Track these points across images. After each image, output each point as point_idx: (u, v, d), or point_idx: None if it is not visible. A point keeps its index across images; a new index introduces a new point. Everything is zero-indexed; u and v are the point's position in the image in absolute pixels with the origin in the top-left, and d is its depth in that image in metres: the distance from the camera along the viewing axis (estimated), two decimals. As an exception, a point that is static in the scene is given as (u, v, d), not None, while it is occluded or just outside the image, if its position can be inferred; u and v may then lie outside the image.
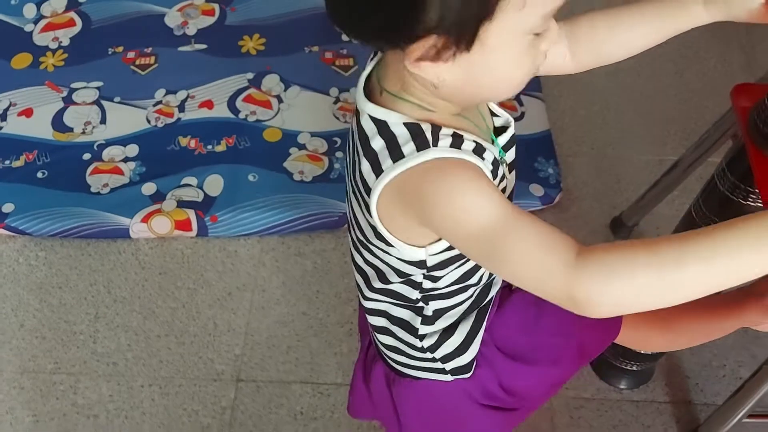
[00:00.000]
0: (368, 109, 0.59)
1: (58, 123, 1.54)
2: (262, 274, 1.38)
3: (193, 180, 1.46)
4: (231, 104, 1.58)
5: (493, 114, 0.67)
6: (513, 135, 0.67)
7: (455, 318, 0.72)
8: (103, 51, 1.67)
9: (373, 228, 0.62)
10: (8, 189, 1.43)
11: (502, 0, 0.49)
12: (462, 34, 0.51)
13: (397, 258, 0.64)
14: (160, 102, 1.58)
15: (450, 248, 0.62)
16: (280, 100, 1.60)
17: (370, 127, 0.59)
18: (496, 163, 0.61)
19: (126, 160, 1.49)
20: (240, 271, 1.38)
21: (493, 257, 0.54)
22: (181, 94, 1.60)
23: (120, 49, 1.67)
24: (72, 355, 1.28)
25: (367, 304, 0.73)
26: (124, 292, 1.35)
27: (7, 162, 1.48)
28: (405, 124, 0.57)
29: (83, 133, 1.53)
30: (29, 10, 1.74)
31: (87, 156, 1.49)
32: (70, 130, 1.54)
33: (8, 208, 1.40)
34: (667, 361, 1.29)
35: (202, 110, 1.57)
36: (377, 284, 0.69)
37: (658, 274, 0.49)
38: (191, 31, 1.71)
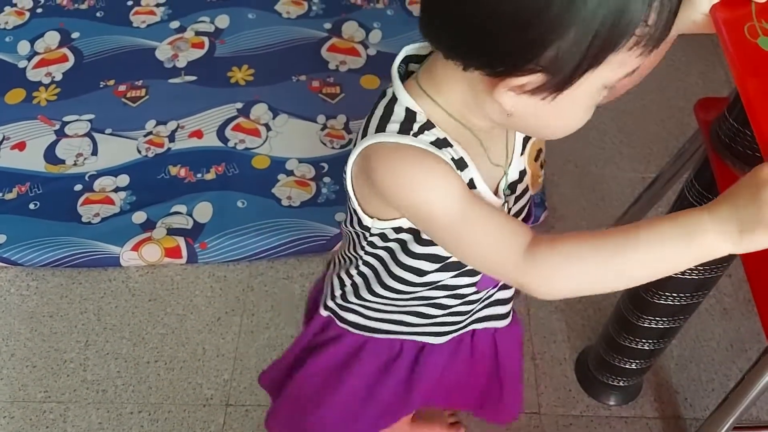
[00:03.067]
0: (398, 89, 0.61)
1: (50, 155, 1.57)
2: (251, 299, 1.39)
3: (182, 208, 1.48)
4: (220, 133, 1.61)
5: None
6: (527, 187, 0.70)
7: None
8: (95, 85, 1.71)
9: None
10: (1, 220, 1.46)
11: (611, 54, 0.50)
12: (567, 79, 0.51)
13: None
14: (150, 132, 1.61)
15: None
16: (268, 128, 1.63)
17: (383, 102, 0.62)
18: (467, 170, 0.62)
19: (117, 189, 1.51)
20: (229, 296, 1.39)
21: (453, 244, 0.60)
22: (171, 125, 1.63)
23: (111, 82, 1.71)
24: (62, 383, 1.28)
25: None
26: (114, 320, 1.36)
27: (0, 194, 1.51)
28: (407, 108, 0.59)
29: (75, 164, 1.56)
30: (23, 47, 1.79)
31: (78, 187, 1.52)
32: (62, 162, 1.56)
33: (0, 239, 1.42)
34: (655, 377, 1.29)
35: (192, 140, 1.60)
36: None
37: (602, 261, 0.54)
38: (181, 63, 1.75)
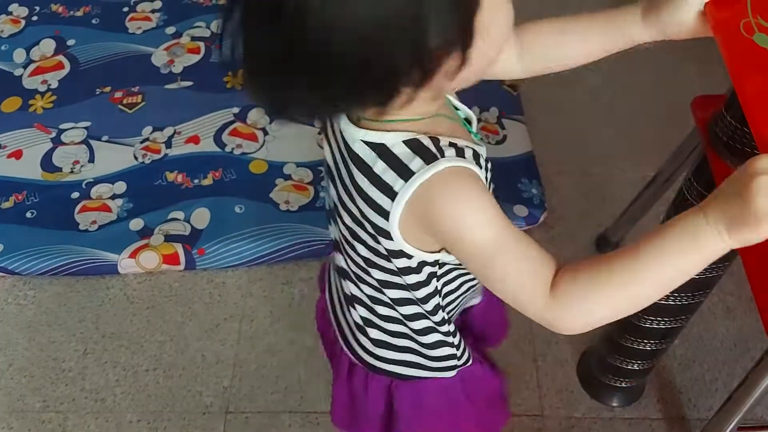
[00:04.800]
0: (360, 135, 0.59)
1: (47, 163, 1.57)
2: (249, 305, 1.38)
3: (180, 214, 1.47)
4: (217, 138, 1.61)
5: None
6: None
7: None
8: (91, 92, 1.70)
9: (386, 250, 0.63)
10: (-2, 230, 1.45)
11: None
12: (465, 38, 0.50)
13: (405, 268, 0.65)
14: (147, 139, 1.61)
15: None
16: (265, 133, 1.62)
17: (367, 153, 0.59)
18: (481, 159, 0.63)
19: (114, 197, 1.51)
20: (228, 302, 1.39)
21: (484, 272, 0.59)
22: (168, 131, 1.62)
23: (107, 89, 1.70)
24: (60, 392, 1.28)
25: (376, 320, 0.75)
26: (113, 328, 1.35)
27: (-3, 204, 1.50)
28: (404, 142, 0.57)
29: (72, 172, 1.55)
30: (19, 55, 1.78)
31: (75, 195, 1.51)
32: (59, 170, 1.56)
33: (-2, 248, 1.42)
34: (658, 378, 1.28)
35: (189, 145, 1.59)
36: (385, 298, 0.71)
37: (619, 290, 0.55)
38: (177, 69, 1.74)
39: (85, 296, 1.40)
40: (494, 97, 1.68)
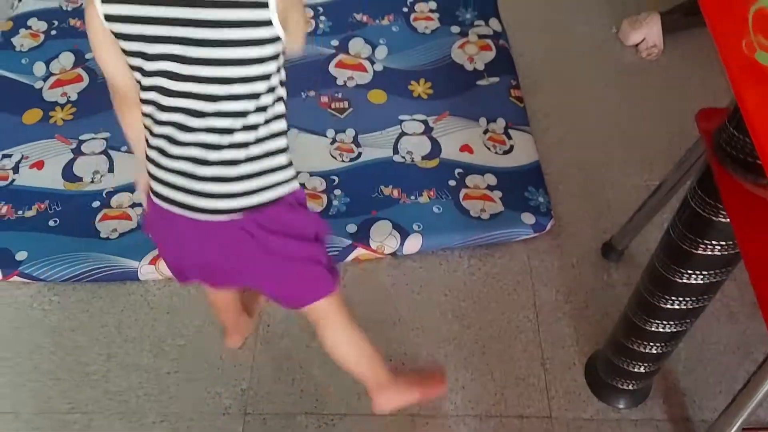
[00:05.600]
0: None
1: (68, 173, 1.62)
2: (265, 309, 1.42)
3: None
4: (233, 149, 1.65)
5: None
6: None
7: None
8: (109, 103, 1.73)
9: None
10: (21, 237, 1.49)
11: None
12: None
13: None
14: (165, 149, 1.65)
15: None
16: (279, 143, 1.67)
17: None
18: None
19: (133, 205, 1.55)
20: (245, 307, 1.43)
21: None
22: (185, 141, 1.66)
23: None
24: (86, 395, 1.32)
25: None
26: (135, 332, 1.40)
27: (20, 212, 1.55)
28: None
29: (92, 182, 1.60)
30: (39, 69, 1.84)
31: (96, 203, 1.56)
32: (80, 179, 1.61)
33: (21, 256, 1.46)
34: (663, 380, 1.32)
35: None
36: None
37: None
38: (193, 81, 1.79)
39: (108, 302, 1.44)
40: (501, 108, 1.72)
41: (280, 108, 0.88)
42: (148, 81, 0.84)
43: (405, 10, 1.97)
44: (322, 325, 1.05)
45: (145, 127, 0.89)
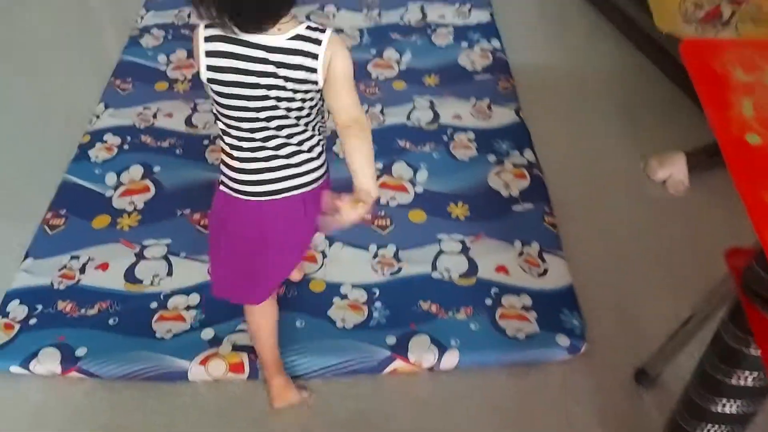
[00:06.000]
0: (282, 37, 1.11)
1: (130, 275, 1.73)
2: (304, 414, 1.47)
3: (247, 325, 1.60)
4: (282, 259, 1.76)
5: None
6: None
7: None
8: (172, 213, 1.90)
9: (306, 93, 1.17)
10: (83, 334, 1.59)
11: None
12: None
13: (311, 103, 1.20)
14: (220, 257, 1.77)
15: None
16: (324, 255, 1.78)
17: (293, 42, 1.12)
18: None
19: (188, 308, 1.65)
20: (287, 412, 1.48)
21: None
22: (239, 251, 1.78)
23: (187, 211, 1.90)
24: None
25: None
26: (183, 434, 1.45)
27: (83, 310, 1.65)
28: (307, 28, 1.13)
29: (152, 284, 1.71)
30: (110, 179, 2.01)
31: (154, 305, 1.66)
32: (140, 281, 1.72)
33: (81, 352, 1.55)
34: None
35: (257, 265, 1.75)
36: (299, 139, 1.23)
37: None
38: (249, 195, 1.94)
39: (158, 401, 1.50)
40: (535, 233, 1.83)
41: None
42: None
43: (445, 138, 2.14)
44: None
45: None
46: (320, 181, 1.28)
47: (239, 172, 1.24)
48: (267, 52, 1.10)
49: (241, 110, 1.16)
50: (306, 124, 1.21)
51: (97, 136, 2.17)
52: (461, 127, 2.19)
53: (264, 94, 1.13)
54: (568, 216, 1.91)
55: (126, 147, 2.13)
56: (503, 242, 1.81)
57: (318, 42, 1.11)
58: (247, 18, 1.06)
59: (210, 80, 1.14)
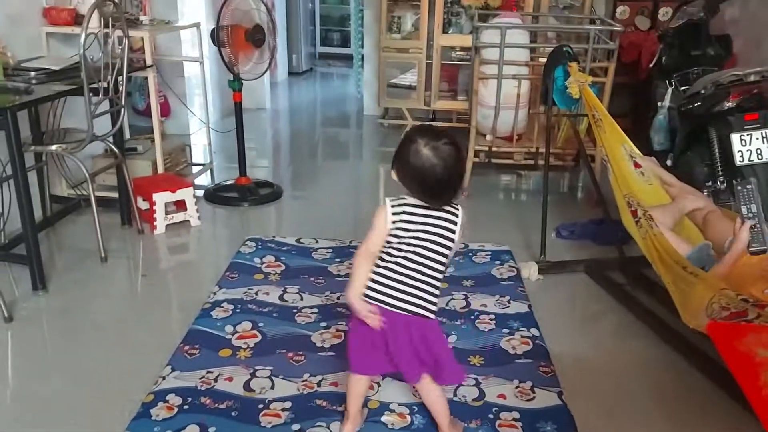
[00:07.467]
0: (450, 210, 1.93)
1: (246, 386, 2.47)
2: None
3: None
4: (348, 384, 2.52)
5: None
6: None
7: None
8: (273, 351, 2.73)
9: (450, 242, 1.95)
10: (215, 420, 2.30)
11: None
12: None
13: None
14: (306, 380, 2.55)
15: None
16: (378, 384, 2.53)
17: (451, 212, 1.93)
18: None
19: (283, 409, 2.38)
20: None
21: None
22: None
23: (284, 351, 2.73)
24: None
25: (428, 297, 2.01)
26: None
27: (216, 405, 2.37)
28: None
29: (260, 393, 2.44)
30: (229, 329, 2.88)
31: (261, 405, 2.39)
32: (253, 390, 2.46)
33: (212, 430, 2.27)
34: None
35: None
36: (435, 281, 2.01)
37: None
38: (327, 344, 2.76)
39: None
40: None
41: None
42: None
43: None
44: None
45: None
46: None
47: None
48: None
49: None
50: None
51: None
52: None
53: None
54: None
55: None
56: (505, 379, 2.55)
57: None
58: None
59: None
